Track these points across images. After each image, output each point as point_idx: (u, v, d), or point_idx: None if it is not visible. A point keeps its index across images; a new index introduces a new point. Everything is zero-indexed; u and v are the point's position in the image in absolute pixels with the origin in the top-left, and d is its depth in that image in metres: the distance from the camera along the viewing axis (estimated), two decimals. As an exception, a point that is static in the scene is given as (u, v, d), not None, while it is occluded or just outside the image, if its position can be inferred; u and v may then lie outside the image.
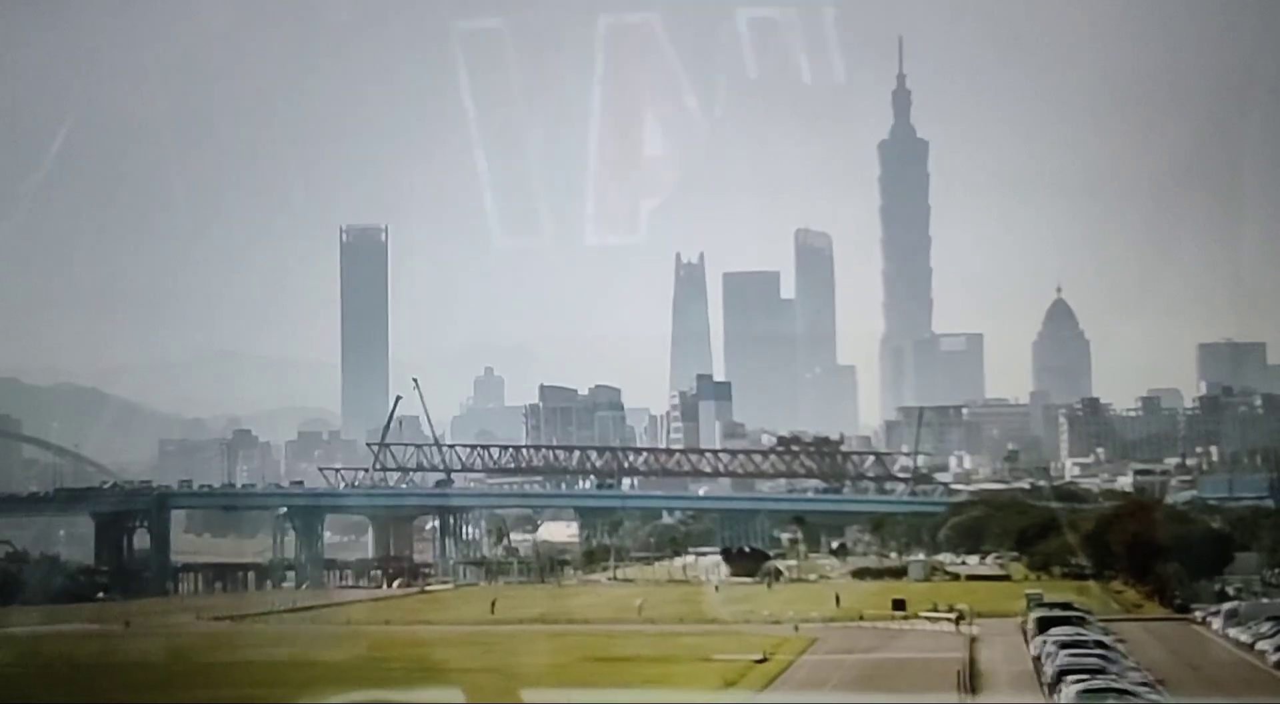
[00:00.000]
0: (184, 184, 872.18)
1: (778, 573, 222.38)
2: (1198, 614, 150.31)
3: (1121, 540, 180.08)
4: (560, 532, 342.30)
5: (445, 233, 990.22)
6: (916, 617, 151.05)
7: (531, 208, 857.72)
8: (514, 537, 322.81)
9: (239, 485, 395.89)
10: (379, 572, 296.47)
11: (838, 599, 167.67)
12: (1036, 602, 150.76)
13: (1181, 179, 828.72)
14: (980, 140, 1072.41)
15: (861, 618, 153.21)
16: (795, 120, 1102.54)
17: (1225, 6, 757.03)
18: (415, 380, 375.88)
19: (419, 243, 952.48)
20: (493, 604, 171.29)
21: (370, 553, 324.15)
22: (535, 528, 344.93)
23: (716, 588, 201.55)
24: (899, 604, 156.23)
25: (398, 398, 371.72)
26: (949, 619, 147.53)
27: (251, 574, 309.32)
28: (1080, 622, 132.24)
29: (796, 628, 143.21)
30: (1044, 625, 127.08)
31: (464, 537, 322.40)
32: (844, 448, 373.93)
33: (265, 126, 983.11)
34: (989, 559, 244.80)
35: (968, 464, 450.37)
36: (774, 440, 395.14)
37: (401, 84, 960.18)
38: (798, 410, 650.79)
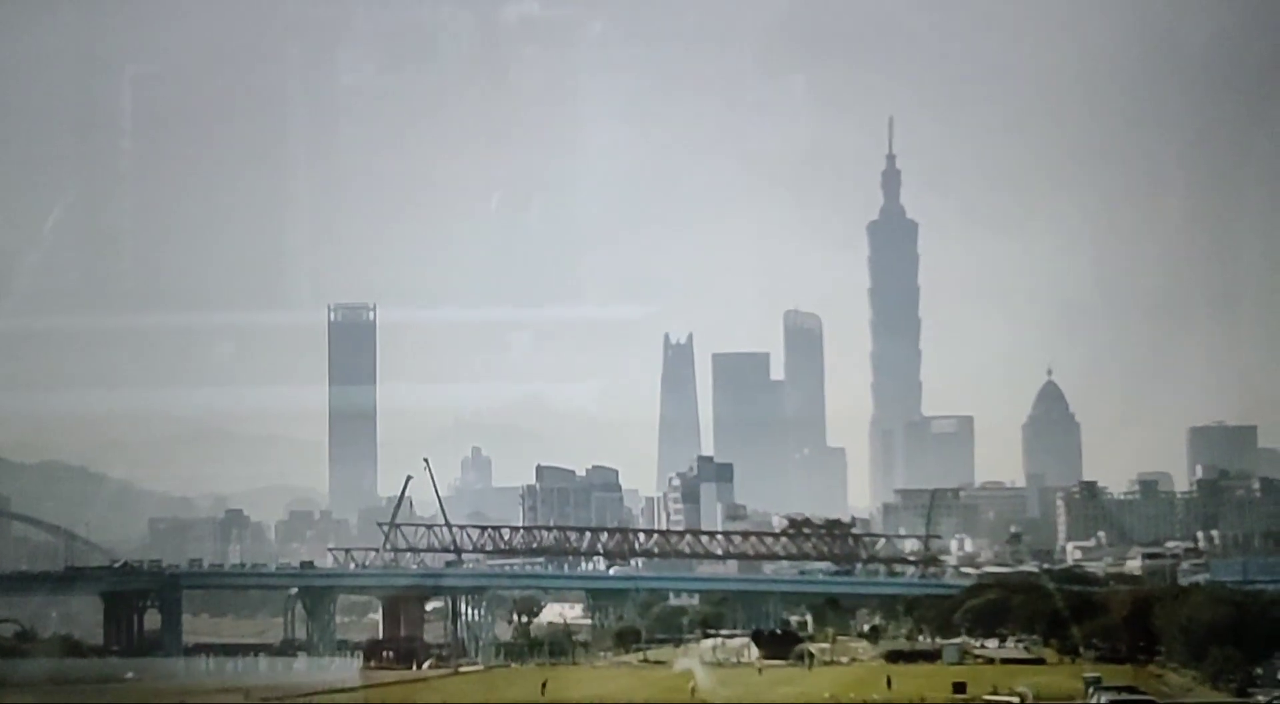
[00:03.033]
0: (170, 258, 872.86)
1: (811, 655, 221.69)
2: (1259, 698, 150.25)
3: (1171, 623, 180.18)
4: (564, 613, 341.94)
5: (432, 313, 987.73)
6: (979, 699, 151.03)
7: (518, 289, 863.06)
8: (519, 618, 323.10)
9: (248, 565, 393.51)
10: (390, 653, 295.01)
11: (889, 681, 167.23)
12: (1097, 685, 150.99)
13: (1174, 263, 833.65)
14: (969, 221, 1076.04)
15: (923, 700, 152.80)
16: (785, 200, 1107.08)
17: (1227, 92, 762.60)
18: (426, 460, 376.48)
19: (406, 322, 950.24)
20: (543, 685, 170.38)
21: (381, 633, 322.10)
22: (539, 609, 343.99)
23: (760, 670, 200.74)
24: (959, 687, 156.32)
25: (408, 478, 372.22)
26: (1010, 702, 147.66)
27: (263, 655, 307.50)
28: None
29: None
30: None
31: (474, 617, 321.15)
32: (854, 530, 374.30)
33: (255, 202, 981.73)
34: (1009, 642, 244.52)
35: (969, 547, 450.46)
36: (784, 522, 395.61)
37: (390, 160, 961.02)
38: (787, 492, 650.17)
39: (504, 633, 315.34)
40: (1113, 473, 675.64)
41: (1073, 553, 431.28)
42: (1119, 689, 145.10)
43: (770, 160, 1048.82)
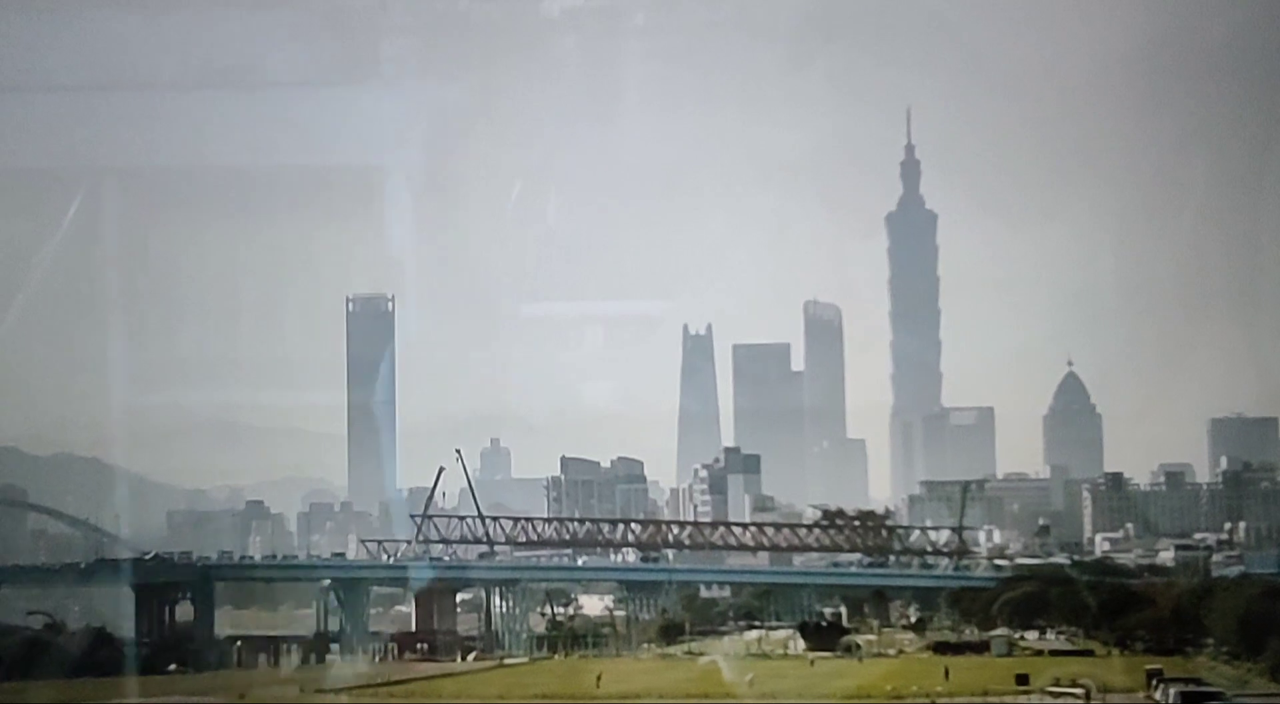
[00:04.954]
0: (186, 249, 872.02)
1: (858, 647, 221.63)
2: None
3: (1224, 615, 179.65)
4: (594, 605, 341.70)
5: (451, 303, 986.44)
6: (1044, 692, 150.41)
7: (537, 279, 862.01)
8: (554, 610, 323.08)
9: (279, 557, 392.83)
10: (425, 645, 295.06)
11: (946, 673, 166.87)
12: (1160, 678, 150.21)
13: (1193, 253, 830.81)
14: (987, 211, 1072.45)
15: (986, 693, 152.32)
16: (804, 190, 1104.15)
17: (1248, 83, 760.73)
18: (459, 451, 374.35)
19: (424, 313, 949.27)
20: (598, 678, 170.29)
21: (414, 626, 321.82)
22: (570, 601, 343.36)
23: (811, 662, 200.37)
24: (1022, 679, 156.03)
25: (440, 469, 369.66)
26: (1074, 695, 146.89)
27: (296, 647, 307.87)
28: (1221, 698, 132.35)
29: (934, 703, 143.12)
30: (1191, 701, 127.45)
31: (506, 609, 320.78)
32: (888, 522, 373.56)
33: (270, 193, 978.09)
34: (1049, 634, 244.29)
35: (997, 539, 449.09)
36: (817, 514, 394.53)
37: (408, 152, 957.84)
38: (808, 484, 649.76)
39: (535, 625, 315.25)
40: (1133, 464, 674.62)
41: (1101, 545, 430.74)
42: (1185, 681, 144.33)
43: (789, 150, 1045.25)
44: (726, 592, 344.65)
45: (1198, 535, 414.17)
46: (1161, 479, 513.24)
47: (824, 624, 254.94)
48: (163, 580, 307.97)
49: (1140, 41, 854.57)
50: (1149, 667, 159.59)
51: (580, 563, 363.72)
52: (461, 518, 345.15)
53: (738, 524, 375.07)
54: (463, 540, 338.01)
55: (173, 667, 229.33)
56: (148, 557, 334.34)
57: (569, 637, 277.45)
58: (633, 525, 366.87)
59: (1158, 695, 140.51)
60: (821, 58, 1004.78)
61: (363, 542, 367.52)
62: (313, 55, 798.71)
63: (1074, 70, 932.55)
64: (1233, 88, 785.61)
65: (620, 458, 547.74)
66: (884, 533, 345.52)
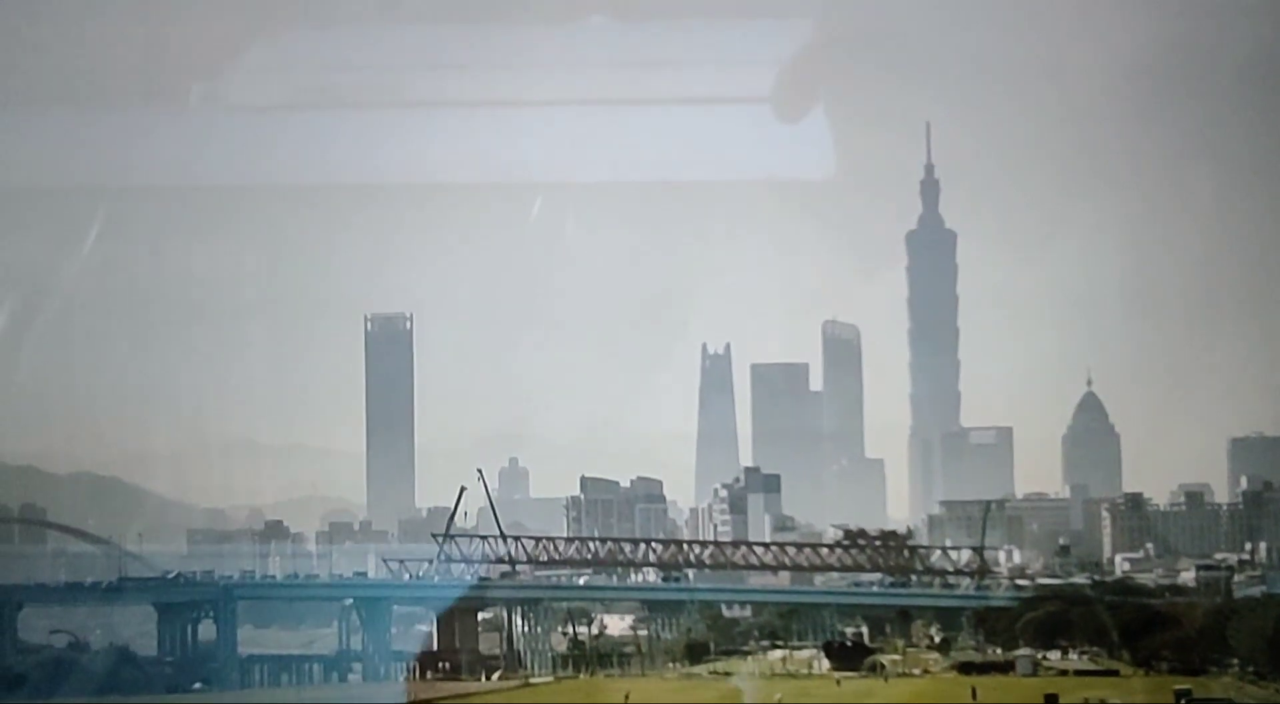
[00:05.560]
0: (200, 269, 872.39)
1: (883, 667, 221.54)
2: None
3: (1252, 636, 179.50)
4: (615, 625, 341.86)
5: (468, 323, 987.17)
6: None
7: (551, 297, 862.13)
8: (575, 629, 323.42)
9: (300, 576, 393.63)
10: (446, 664, 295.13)
11: (974, 693, 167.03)
12: (1189, 698, 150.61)
13: (1211, 270, 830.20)
14: (1009, 228, 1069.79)
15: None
16: (823, 210, 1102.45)
17: (1265, 99, 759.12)
18: (480, 471, 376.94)
19: (442, 333, 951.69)
20: (626, 696, 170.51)
21: (435, 645, 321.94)
22: (591, 620, 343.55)
23: (838, 682, 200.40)
24: (1051, 699, 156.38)
25: (462, 489, 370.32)
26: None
27: (318, 666, 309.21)
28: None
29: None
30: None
31: (528, 629, 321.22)
32: (910, 542, 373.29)
33: (287, 212, 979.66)
34: (1072, 654, 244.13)
35: (1017, 558, 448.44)
36: (838, 534, 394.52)
37: (424, 167, 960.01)
38: (826, 504, 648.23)
39: (556, 644, 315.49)
40: (1152, 484, 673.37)
41: (1121, 565, 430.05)
42: (1213, 702, 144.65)
43: (807, 169, 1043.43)
44: (748, 611, 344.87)
45: (1218, 555, 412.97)
46: (1181, 499, 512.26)
47: (849, 644, 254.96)
48: (185, 599, 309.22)
49: (1160, 53, 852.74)
50: (1177, 687, 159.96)
51: (599, 582, 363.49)
52: (483, 537, 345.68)
53: (759, 544, 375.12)
54: (484, 560, 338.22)
55: (197, 685, 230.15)
56: (170, 576, 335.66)
57: (593, 656, 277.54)
58: (654, 545, 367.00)
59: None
60: (827, 69, 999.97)
61: (384, 561, 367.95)
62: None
63: (1089, 84, 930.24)
64: (1251, 102, 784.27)
65: (639, 477, 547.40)
66: (905, 553, 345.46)
